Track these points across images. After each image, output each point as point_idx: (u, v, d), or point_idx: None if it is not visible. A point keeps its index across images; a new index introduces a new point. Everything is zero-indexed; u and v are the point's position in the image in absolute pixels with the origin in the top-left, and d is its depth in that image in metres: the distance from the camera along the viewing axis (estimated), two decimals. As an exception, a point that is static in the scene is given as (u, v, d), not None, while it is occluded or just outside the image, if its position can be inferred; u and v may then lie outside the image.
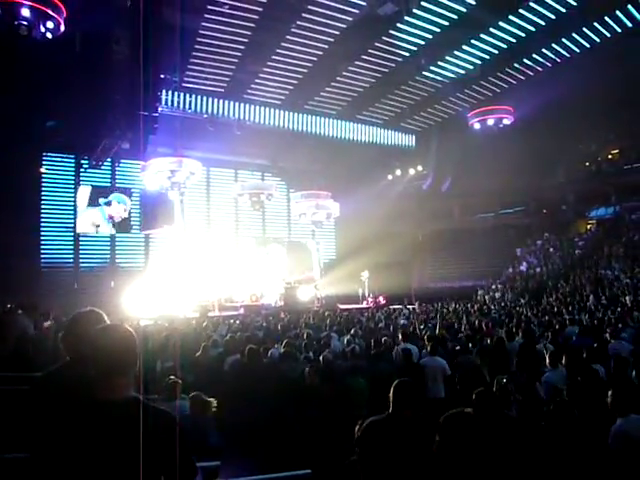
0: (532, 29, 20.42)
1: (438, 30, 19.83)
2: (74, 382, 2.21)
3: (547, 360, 5.86)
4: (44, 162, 22.12)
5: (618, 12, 20.29)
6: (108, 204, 23.10)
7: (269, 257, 27.08)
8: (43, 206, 22.03)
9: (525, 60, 23.12)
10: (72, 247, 22.85)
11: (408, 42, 20.58)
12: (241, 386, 7.32)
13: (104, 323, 2.41)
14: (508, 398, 4.62)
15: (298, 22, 18.87)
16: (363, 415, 3.28)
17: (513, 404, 4.70)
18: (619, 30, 21.22)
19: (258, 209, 26.84)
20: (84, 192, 22.76)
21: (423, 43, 20.56)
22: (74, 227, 22.83)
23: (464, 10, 18.59)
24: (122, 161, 23.46)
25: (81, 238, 22.99)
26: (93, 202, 22.80)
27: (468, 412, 3.28)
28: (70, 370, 2.45)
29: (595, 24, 20.87)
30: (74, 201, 22.82)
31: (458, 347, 7.99)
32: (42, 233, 21.86)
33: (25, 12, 12.36)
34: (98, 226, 23.06)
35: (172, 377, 5.73)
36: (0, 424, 4.25)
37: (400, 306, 22.49)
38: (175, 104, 21.90)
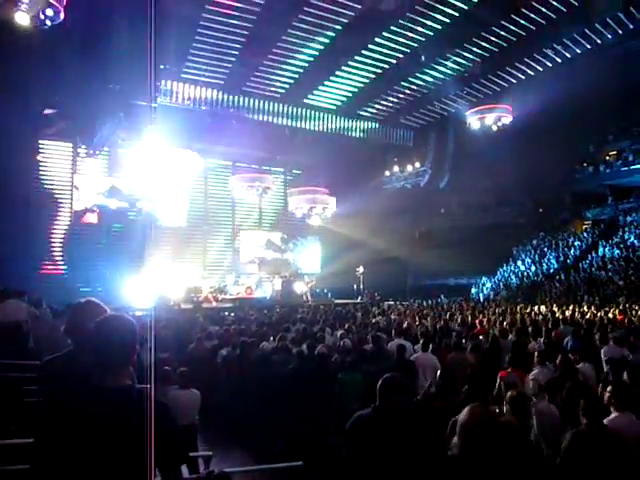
0: (533, 28, 20.43)
1: (439, 27, 19.80)
2: (74, 369, 2.27)
3: (535, 359, 5.92)
4: (41, 149, 22.01)
5: (619, 13, 20.29)
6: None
7: (266, 250, 27.14)
8: (39, 193, 21.93)
9: (525, 59, 23.13)
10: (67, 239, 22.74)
11: (409, 38, 20.54)
12: (233, 378, 7.37)
13: (103, 313, 2.44)
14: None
15: (300, 16, 18.81)
16: (356, 409, 3.33)
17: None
18: (620, 31, 21.24)
19: (255, 201, 26.89)
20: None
21: (424, 40, 20.53)
22: (70, 215, 22.78)
23: (466, 7, 18.58)
24: (119, 150, 23.36)
25: (76, 228, 22.86)
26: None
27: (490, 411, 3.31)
28: (71, 358, 2.51)
29: (596, 25, 20.87)
30: (71, 189, 22.77)
31: (450, 344, 8.03)
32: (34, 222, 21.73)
33: (24, -1, 12.29)
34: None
35: (166, 367, 5.79)
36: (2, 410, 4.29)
37: (394, 302, 22.61)
38: (174, 95, 21.81)
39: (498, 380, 5.43)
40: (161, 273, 22.59)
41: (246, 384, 7.11)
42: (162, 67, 19.12)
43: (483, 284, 27.25)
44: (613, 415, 3.85)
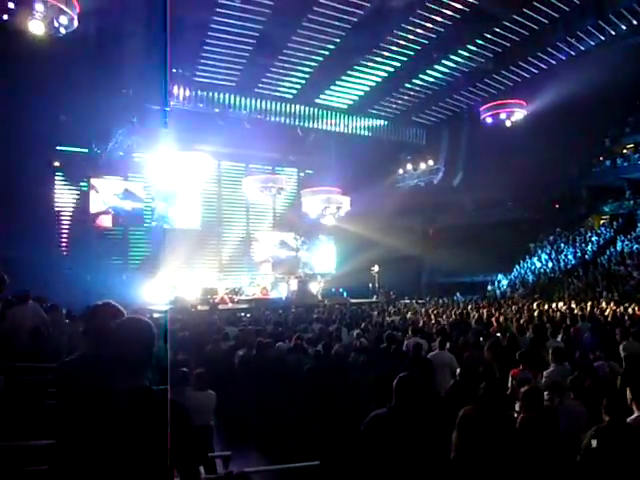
0: (545, 22, 20.22)
1: (450, 23, 19.69)
2: (92, 371, 2.30)
3: (550, 356, 5.86)
4: (57, 156, 22.28)
5: (633, 4, 19.98)
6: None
7: (279, 250, 27.22)
8: (57, 199, 22.24)
9: (538, 53, 22.89)
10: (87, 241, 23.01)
11: (419, 35, 20.46)
12: (250, 379, 7.40)
13: (121, 315, 2.48)
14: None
15: (309, 16, 18.84)
16: (372, 409, 3.32)
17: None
18: (634, 22, 20.91)
19: (269, 203, 26.97)
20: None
21: (434, 36, 20.43)
22: (87, 220, 23.04)
23: (477, 3, 18.45)
24: (134, 154, 23.57)
25: (92, 230, 23.12)
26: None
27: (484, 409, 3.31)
28: (88, 360, 2.55)
29: (610, 16, 20.58)
30: (87, 194, 23.05)
31: (467, 342, 7.98)
32: (57, 226, 22.06)
33: (39, 7, 12.48)
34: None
35: (183, 369, 5.82)
36: (23, 413, 4.35)
37: (410, 300, 22.51)
38: (187, 98, 21.97)
39: (510, 378, 5.40)
40: (177, 275, 22.77)
41: (263, 384, 7.14)
42: (174, 71, 19.27)
43: (499, 281, 27.00)
44: (635, 414, 3.78)
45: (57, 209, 22.23)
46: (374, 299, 24.28)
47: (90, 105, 18.88)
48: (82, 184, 23.11)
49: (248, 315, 15.70)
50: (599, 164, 28.83)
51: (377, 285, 26.47)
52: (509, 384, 5.40)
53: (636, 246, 23.11)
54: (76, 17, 13.05)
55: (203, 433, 5.40)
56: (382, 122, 27.66)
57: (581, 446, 3.60)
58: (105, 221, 23.22)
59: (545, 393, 4.73)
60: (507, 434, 3.57)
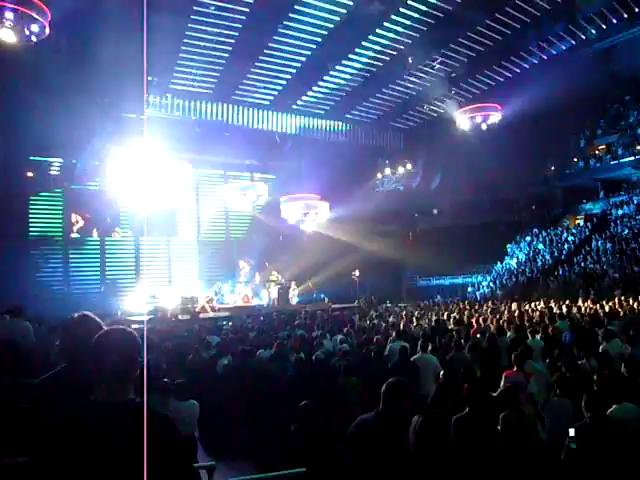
0: (517, 26, 20.58)
1: (424, 28, 19.92)
2: (73, 385, 2.23)
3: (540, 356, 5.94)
4: (31, 166, 21.86)
5: (602, 8, 20.47)
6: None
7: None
8: (31, 210, 21.81)
9: (511, 57, 23.29)
10: (61, 253, 22.65)
11: (395, 41, 20.65)
12: (234, 387, 7.33)
13: (98, 326, 2.42)
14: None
15: (285, 22, 18.87)
16: (357, 413, 3.31)
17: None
18: (604, 26, 21.41)
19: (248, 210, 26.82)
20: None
21: (410, 42, 20.64)
22: (63, 232, 22.67)
23: (450, 8, 18.70)
24: (110, 163, 23.24)
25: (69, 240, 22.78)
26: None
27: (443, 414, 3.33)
28: (68, 374, 2.48)
29: (580, 21, 21.03)
30: (62, 205, 22.69)
31: (450, 343, 8.04)
32: (30, 238, 21.61)
33: (9, 15, 12.26)
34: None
35: (164, 379, 5.74)
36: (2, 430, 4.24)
37: (391, 304, 22.60)
38: (163, 106, 21.80)
39: (503, 380, 5.43)
40: (156, 285, 22.50)
41: (246, 392, 7.08)
42: (150, 79, 19.10)
43: (479, 283, 27.29)
44: (614, 407, 3.94)
45: (30, 219, 21.79)
46: (355, 304, 24.31)
47: (65, 114, 18.60)
48: (57, 193, 22.74)
49: (230, 323, 15.58)
50: (573, 165, 29.38)
51: (358, 290, 26.51)
52: (501, 385, 5.44)
53: (610, 245, 23.57)
54: (48, 25, 12.86)
55: (188, 444, 5.33)
56: (359, 127, 27.80)
57: (564, 444, 3.65)
58: (82, 230, 22.91)
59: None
60: (488, 435, 3.60)
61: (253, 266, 26.78)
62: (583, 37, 21.87)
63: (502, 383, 5.37)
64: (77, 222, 23.02)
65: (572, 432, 3.60)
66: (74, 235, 22.85)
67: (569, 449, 3.56)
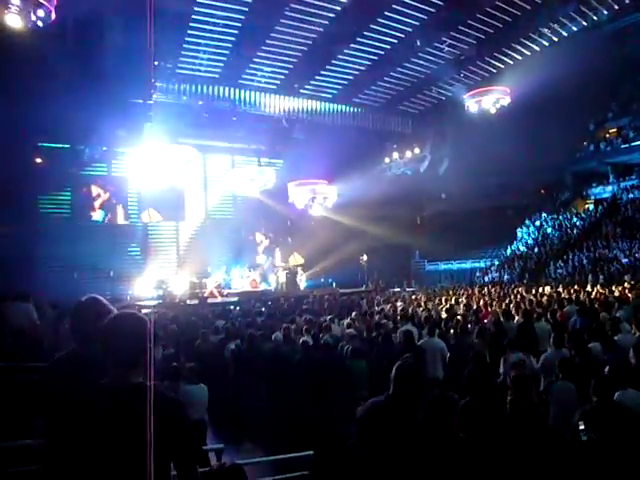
0: (528, 7, 20.22)
1: (433, 10, 19.62)
2: (82, 369, 2.26)
3: (551, 340, 5.93)
4: (39, 152, 21.92)
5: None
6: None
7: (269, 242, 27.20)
8: (40, 197, 21.93)
9: (521, 39, 22.91)
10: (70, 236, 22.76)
11: (403, 23, 20.38)
12: (242, 371, 7.40)
13: (107, 310, 2.44)
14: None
15: (292, 5, 18.65)
16: (364, 397, 3.33)
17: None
18: (615, 6, 20.99)
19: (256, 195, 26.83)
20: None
21: (418, 24, 20.36)
22: (72, 217, 22.79)
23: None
24: (119, 149, 23.29)
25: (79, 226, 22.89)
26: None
27: (451, 396, 3.34)
28: (76, 357, 2.50)
29: (592, 1, 20.63)
30: (71, 191, 22.78)
31: (456, 328, 8.04)
32: (40, 224, 21.72)
33: (15, 0, 12.22)
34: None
35: (175, 364, 5.81)
36: (11, 413, 4.31)
37: (399, 289, 22.63)
38: (170, 91, 21.71)
39: (502, 362, 5.45)
40: (165, 270, 22.63)
41: (255, 376, 7.15)
42: (156, 64, 19.00)
43: (487, 267, 27.23)
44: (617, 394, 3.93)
45: (41, 206, 21.92)
46: (363, 288, 24.36)
47: (72, 100, 18.58)
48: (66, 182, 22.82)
49: (238, 308, 15.68)
50: (583, 149, 29.07)
51: (366, 274, 26.55)
52: (500, 369, 5.45)
53: (620, 229, 23.39)
54: (53, 9, 12.81)
55: (197, 428, 5.40)
56: (367, 111, 27.58)
57: (569, 428, 3.66)
58: (95, 216, 23.04)
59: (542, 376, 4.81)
60: (495, 421, 3.61)
61: (272, 239, 26.91)
62: (594, 18, 21.44)
63: (501, 366, 5.40)
64: (99, 196, 23.09)
65: (582, 425, 3.57)
66: (97, 212, 22.89)
67: (580, 441, 3.55)
